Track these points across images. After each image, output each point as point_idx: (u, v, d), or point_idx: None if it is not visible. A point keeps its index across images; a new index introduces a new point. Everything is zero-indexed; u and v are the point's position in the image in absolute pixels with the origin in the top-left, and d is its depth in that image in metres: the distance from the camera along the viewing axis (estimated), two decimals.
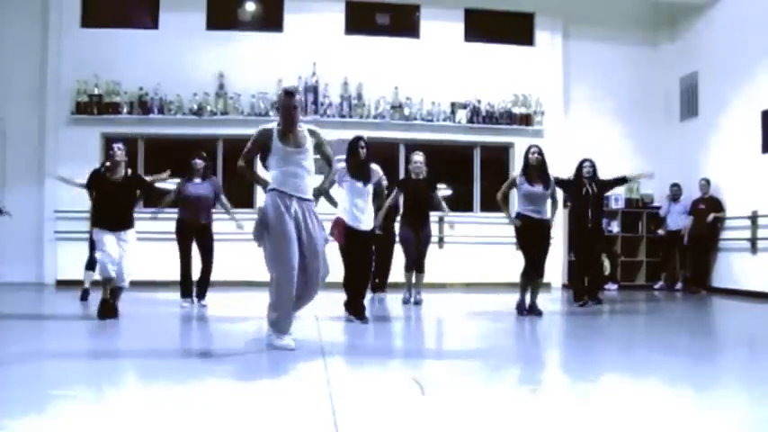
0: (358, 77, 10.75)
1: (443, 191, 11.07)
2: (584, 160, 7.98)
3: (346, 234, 6.09)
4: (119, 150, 6.24)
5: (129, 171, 6.38)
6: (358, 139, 6.29)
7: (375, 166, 6.33)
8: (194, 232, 7.34)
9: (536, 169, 6.90)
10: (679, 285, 10.66)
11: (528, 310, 6.85)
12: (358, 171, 6.15)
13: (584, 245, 7.96)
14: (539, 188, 6.88)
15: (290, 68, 10.53)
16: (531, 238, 6.90)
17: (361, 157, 6.15)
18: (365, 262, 6.31)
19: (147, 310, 6.99)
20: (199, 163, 7.37)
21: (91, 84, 10.24)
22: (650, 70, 11.62)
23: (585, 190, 7.82)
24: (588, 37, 11.44)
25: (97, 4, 10.71)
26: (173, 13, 10.61)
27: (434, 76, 10.92)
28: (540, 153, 6.96)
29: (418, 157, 7.71)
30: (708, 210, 10.08)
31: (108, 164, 6.45)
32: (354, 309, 6.08)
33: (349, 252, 6.12)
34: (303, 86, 10.54)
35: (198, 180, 7.39)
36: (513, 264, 9.17)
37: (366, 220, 6.20)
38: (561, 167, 9.67)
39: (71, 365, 4.07)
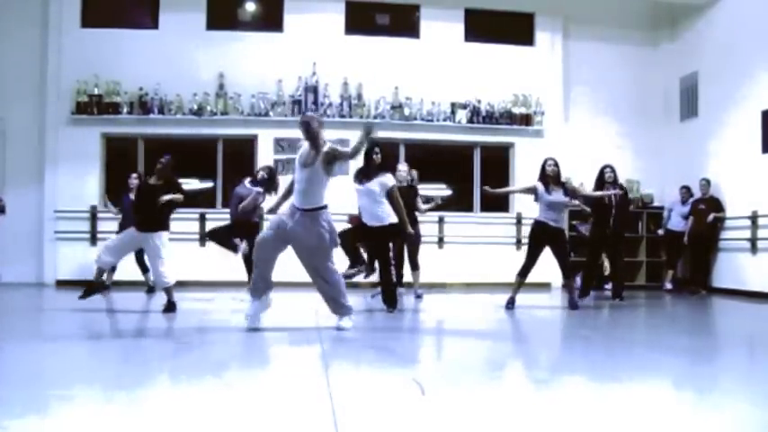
0: (358, 77, 10.74)
1: (437, 191, 11.12)
2: (606, 166, 8.42)
3: (358, 225, 6.92)
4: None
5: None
6: (374, 144, 6.87)
7: (388, 175, 6.95)
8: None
9: (553, 180, 7.35)
10: (669, 286, 10.64)
11: (570, 307, 7.44)
12: (363, 175, 6.85)
13: (598, 249, 8.52)
14: (559, 196, 7.32)
15: (290, 68, 10.54)
16: (543, 243, 7.38)
17: (375, 163, 6.81)
18: (378, 256, 6.93)
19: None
20: (261, 175, 8.27)
21: (91, 84, 10.24)
22: (650, 70, 11.63)
23: (608, 196, 8.27)
24: (588, 37, 11.44)
25: (97, 3, 10.71)
26: (173, 13, 10.61)
27: (434, 76, 10.92)
28: (557, 165, 7.41)
29: (402, 167, 8.35)
30: (708, 210, 10.06)
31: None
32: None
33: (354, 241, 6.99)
34: (303, 86, 10.55)
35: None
36: (512, 264, 9.18)
37: (376, 215, 6.78)
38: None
39: (72, 364, 4.07)
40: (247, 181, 8.41)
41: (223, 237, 8.14)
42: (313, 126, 5.34)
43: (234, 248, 8.10)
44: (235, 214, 8.15)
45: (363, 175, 6.86)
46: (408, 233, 6.87)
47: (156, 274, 6.67)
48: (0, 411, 2.80)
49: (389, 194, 6.73)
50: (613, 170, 8.36)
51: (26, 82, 10.31)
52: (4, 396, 3.13)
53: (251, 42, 10.73)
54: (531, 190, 7.48)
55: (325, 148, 5.32)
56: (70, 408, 2.95)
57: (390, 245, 7.17)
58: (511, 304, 7.41)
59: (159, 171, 6.79)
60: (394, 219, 6.77)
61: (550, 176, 7.34)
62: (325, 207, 5.37)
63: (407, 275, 8.38)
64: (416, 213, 8.17)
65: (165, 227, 6.75)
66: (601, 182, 8.31)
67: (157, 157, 6.96)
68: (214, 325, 6.32)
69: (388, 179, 6.80)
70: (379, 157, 6.83)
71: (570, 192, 7.46)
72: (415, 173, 8.59)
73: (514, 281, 7.49)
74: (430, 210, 8.47)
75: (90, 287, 6.66)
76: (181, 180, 7.36)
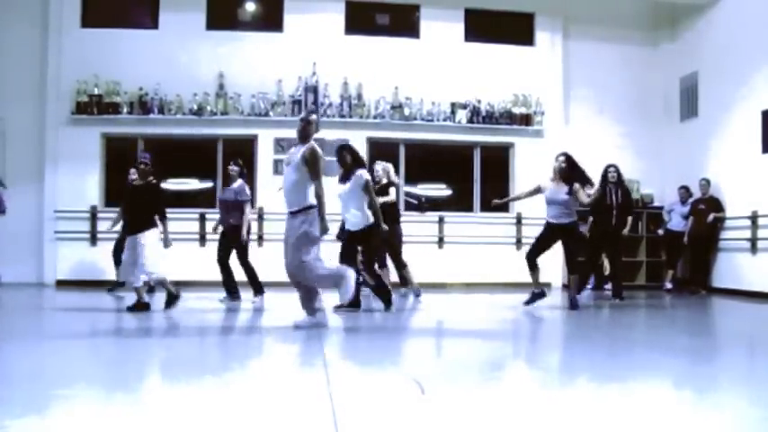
0: (358, 77, 10.75)
1: (436, 191, 11.15)
2: (609, 166, 8.56)
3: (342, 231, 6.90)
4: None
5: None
6: (341, 147, 7.02)
7: (359, 171, 6.76)
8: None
9: (558, 175, 7.28)
10: (669, 285, 10.63)
11: (570, 307, 7.34)
12: (340, 177, 6.94)
13: (598, 248, 8.66)
14: (555, 193, 7.23)
15: (290, 68, 10.54)
16: (552, 240, 7.41)
17: (347, 161, 6.81)
18: (351, 256, 6.85)
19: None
20: (232, 169, 7.89)
21: (91, 84, 10.24)
22: (650, 70, 11.62)
23: (609, 196, 8.41)
24: (588, 37, 11.44)
25: (97, 4, 10.71)
26: (173, 13, 10.61)
27: (434, 76, 10.92)
28: (564, 161, 7.28)
29: (378, 166, 8.37)
30: (708, 210, 10.06)
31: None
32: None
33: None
34: (303, 86, 10.55)
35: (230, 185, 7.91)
36: (512, 264, 9.18)
37: (350, 220, 6.81)
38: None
39: (72, 364, 4.07)
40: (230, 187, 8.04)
41: (226, 260, 7.91)
42: (312, 126, 5.46)
43: (233, 294, 7.81)
44: (224, 221, 7.91)
45: (340, 178, 6.92)
46: (382, 228, 6.83)
47: (138, 271, 6.64)
48: (0, 411, 2.80)
49: (365, 189, 6.72)
50: (617, 170, 8.51)
51: (26, 82, 10.31)
52: (4, 396, 3.13)
53: (251, 42, 10.73)
54: (537, 190, 7.52)
55: (311, 148, 5.32)
56: (70, 407, 2.95)
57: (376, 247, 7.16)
58: (537, 296, 7.42)
59: (143, 172, 6.84)
60: (371, 220, 6.76)
61: (555, 171, 7.31)
62: (311, 207, 5.30)
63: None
64: (398, 213, 8.20)
65: (152, 225, 6.71)
66: (605, 181, 8.33)
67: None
68: (214, 325, 6.33)
69: (362, 173, 6.78)
70: (350, 157, 6.83)
71: (574, 192, 7.27)
72: (385, 166, 8.40)
73: (529, 273, 7.42)
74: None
75: (139, 306, 6.70)
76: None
